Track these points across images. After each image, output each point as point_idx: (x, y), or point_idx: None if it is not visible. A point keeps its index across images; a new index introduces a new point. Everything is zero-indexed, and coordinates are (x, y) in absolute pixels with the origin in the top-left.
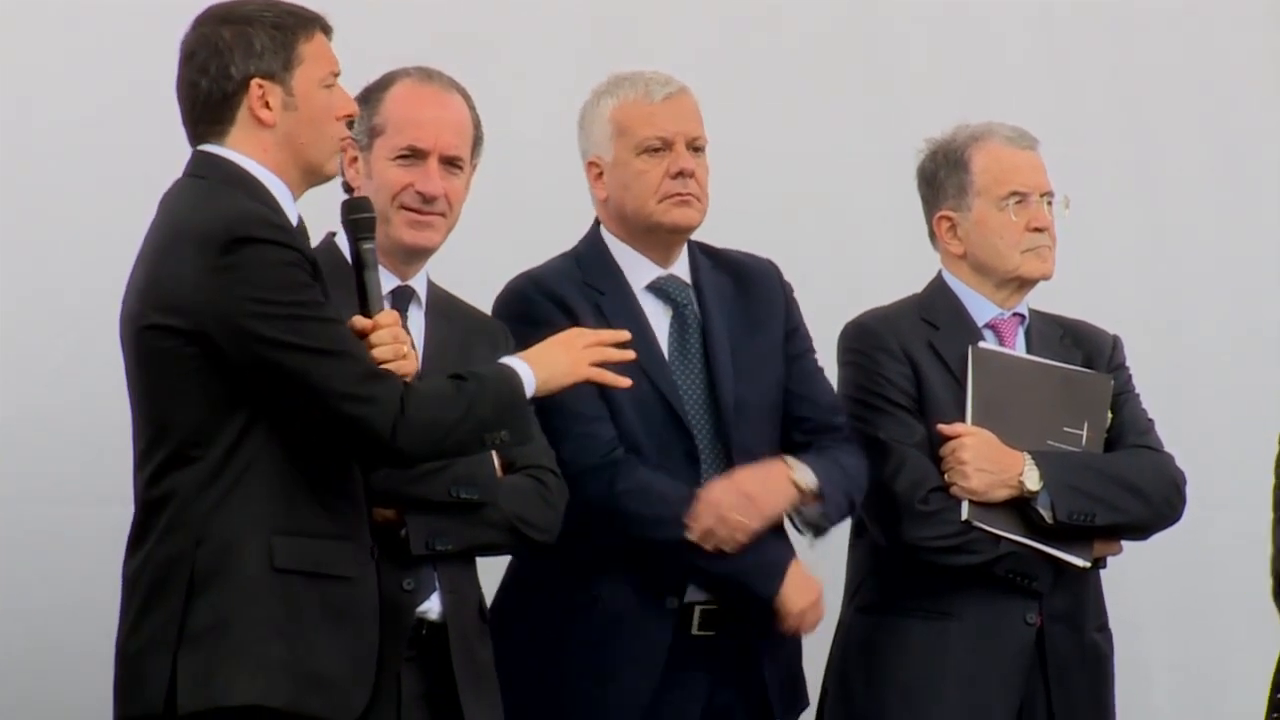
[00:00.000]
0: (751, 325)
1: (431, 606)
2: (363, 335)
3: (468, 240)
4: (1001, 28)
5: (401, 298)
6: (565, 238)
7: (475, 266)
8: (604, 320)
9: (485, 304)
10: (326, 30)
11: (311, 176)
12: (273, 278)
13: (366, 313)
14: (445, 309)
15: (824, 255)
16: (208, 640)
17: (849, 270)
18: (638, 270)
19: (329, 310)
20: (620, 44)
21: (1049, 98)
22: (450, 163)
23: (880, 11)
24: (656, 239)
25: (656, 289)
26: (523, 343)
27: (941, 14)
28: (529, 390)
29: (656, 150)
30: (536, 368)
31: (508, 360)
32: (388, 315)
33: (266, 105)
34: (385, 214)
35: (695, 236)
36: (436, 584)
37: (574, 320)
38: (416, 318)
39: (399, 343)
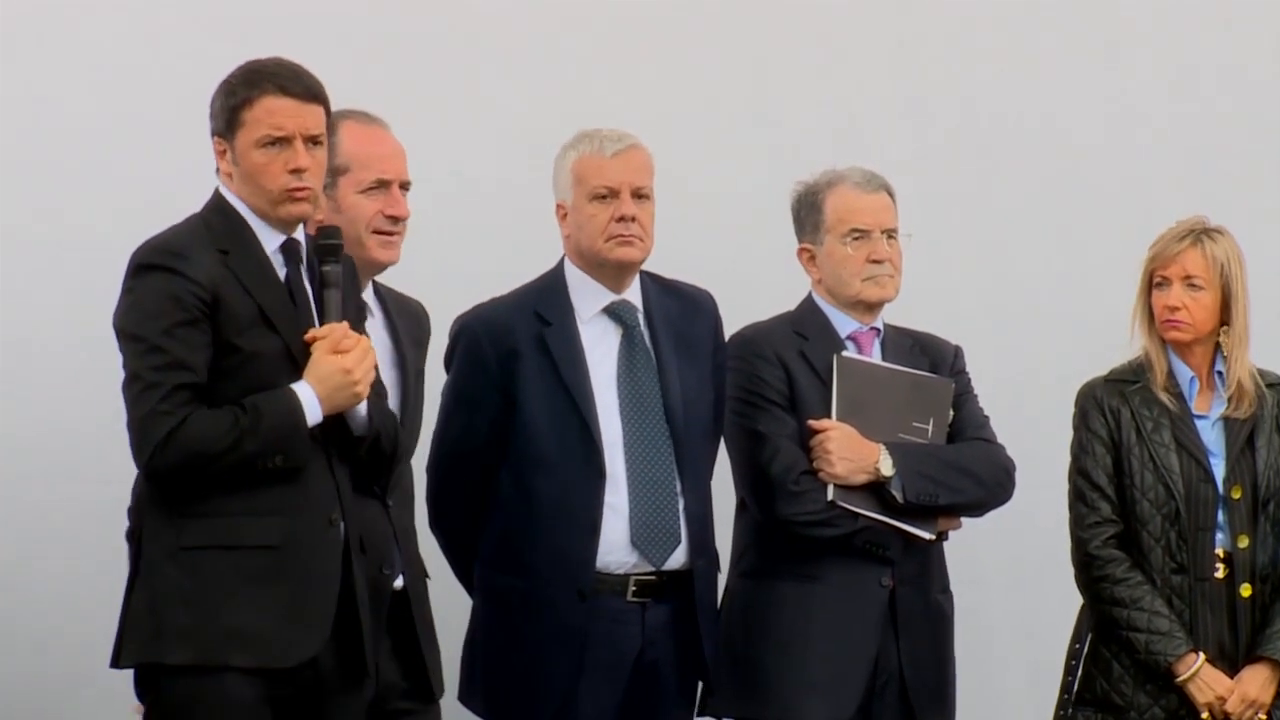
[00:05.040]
0: (689, 348)
1: (397, 581)
2: (310, 342)
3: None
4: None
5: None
6: (510, 260)
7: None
8: (545, 350)
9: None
10: (290, 93)
11: (273, 219)
12: (149, 307)
13: (320, 324)
14: (390, 307)
15: (715, 276)
16: (136, 610)
17: (736, 289)
18: (595, 296)
19: (180, 343)
20: (558, 96)
21: (908, 142)
22: (404, 187)
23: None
24: (607, 271)
25: (610, 312)
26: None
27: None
28: (312, 418)
29: (604, 197)
30: (321, 394)
31: (300, 388)
32: (325, 329)
33: (224, 158)
34: (359, 238)
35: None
36: (399, 565)
37: (515, 358)
38: (373, 326)
39: (351, 354)
